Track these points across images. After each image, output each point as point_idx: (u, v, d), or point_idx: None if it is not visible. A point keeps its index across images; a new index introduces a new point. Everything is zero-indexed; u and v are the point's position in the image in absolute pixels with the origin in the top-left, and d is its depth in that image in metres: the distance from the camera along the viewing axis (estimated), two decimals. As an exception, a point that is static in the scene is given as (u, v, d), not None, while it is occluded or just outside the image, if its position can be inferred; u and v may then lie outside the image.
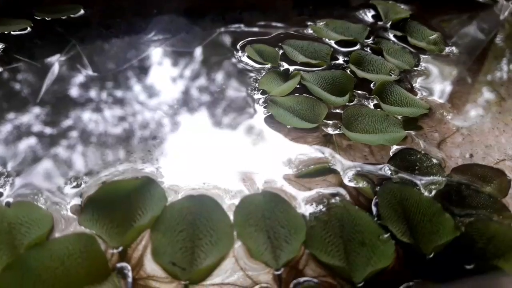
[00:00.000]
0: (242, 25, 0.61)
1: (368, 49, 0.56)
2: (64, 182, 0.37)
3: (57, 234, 0.33)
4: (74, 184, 0.37)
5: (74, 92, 0.48)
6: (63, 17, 0.60)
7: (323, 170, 0.40)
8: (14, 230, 0.32)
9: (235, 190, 0.38)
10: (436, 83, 0.52)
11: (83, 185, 0.37)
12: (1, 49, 0.54)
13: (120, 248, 0.32)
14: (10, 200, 0.35)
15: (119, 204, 0.34)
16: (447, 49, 0.57)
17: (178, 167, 0.40)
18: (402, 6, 0.66)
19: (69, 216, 0.34)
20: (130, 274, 0.31)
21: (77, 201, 0.35)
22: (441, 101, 0.49)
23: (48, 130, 0.43)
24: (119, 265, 0.31)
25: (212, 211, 0.35)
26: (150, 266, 0.32)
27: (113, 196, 0.35)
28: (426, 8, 0.68)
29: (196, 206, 0.35)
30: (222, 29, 0.60)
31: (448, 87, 0.51)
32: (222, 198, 0.37)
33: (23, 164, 0.39)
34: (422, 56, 0.55)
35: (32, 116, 0.45)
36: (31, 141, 0.42)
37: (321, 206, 0.36)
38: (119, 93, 0.49)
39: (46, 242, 0.32)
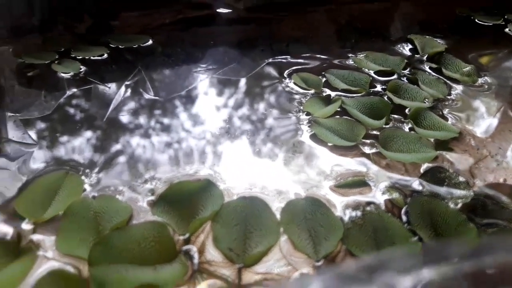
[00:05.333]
0: (288, 57, 0.68)
1: (404, 79, 0.61)
2: (139, 182, 0.44)
3: (134, 222, 0.40)
4: (148, 183, 0.44)
5: (137, 113, 0.56)
6: (134, 46, 0.69)
7: (359, 182, 0.45)
8: (99, 217, 0.39)
9: (281, 196, 0.44)
10: (467, 112, 0.56)
11: (155, 185, 0.44)
12: (83, 72, 0.63)
13: (186, 235, 0.38)
14: (95, 194, 0.43)
15: (185, 200, 0.41)
16: (480, 81, 0.61)
17: (232, 176, 0.46)
18: (439, 41, 0.71)
19: (144, 208, 0.41)
20: (196, 255, 0.37)
21: (150, 197, 0.42)
22: (472, 128, 0.53)
23: (121, 143, 0.51)
24: (184, 248, 0.37)
25: (261, 210, 0.41)
26: (210, 253, 0.38)
27: (180, 194, 0.41)
28: (463, 43, 0.72)
29: (248, 206, 0.41)
30: (270, 60, 0.67)
31: (480, 116, 0.56)
32: (270, 201, 0.42)
33: (106, 166, 0.46)
34: (455, 87, 0.60)
35: (105, 129, 0.53)
36: (111, 148, 0.49)
37: (357, 212, 0.41)
38: (180, 116, 0.56)
39: (126, 227, 0.38)
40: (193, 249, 0.37)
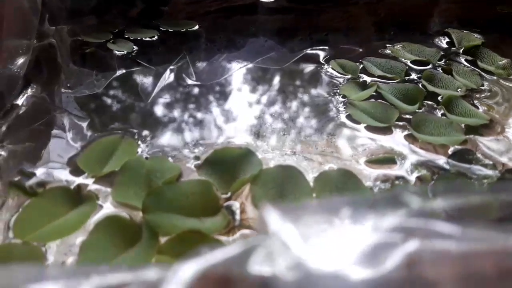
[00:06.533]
0: (327, 47, 0.71)
1: (439, 69, 0.63)
2: (187, 148, 0.49)
3: (183, 179, 0.44)
4: (194, 149, 0.48)
5: (179, 97, 0.60)
6: (182, 30, 0.74)
7: (390, 159, 0.48)
8: (151, 174, 0.44)
9: (315, 168, 0.47)
10: (500, 102, 0.58)
11: (200, 150, 0.48)
12: (135, 51, 0.68)
13: (228, 194, 0.43)
14: (148, 155, 0.48)
15: (227, 165, 0.45)
16: (515, 74, 0.63)
17: (270, 148, 0.50)
18: (476, 36, 0.72)
19: (191, 169, 0.46)
20: (237, 211, 0.41)
21: (196, 161, 0.47)
22: (504, 118, 0.55)
23: (166, 119, 0.55)
24: (226, 204, 0.42)
25: (296, 177, 0.44)
26: (248, 211, 0.42)
27: (223, 159, 0.46)
28: (501, 39, 0.73)
29: (284, 172, 0.44)
30: (309, 49, 0.70)
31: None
32: (304, 172, 0.46)
33: (156, 135, 0.51)
34: (489, 78, 0.62)
35: (152, 107, 0.57)
36: (159, 121, 0.54)
37: (386, 184, 0.44)
38: (220, 99, 0.60)
39: (176, 183, 0.43)
40: (235, 204, 0.41)
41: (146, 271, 0.18)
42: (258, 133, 0.52)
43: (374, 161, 0.48)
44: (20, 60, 0.60)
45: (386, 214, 0.20)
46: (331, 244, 0.19)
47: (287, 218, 0.19)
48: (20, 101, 0.58)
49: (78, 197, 0.43)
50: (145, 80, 0.63)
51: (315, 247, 0.19)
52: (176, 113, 0.56)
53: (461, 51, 0.68)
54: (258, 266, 0.18)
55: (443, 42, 0.72)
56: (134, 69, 0.66)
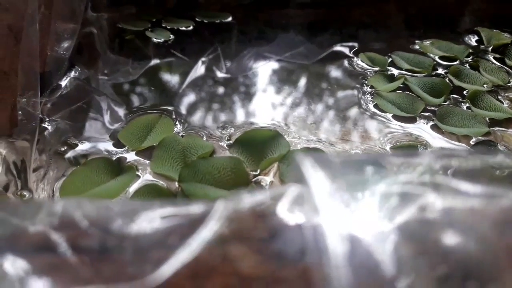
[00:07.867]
0: (356, 43, 0.73)
1: (466, 65, 0.64)
2: (219, 129, 0.52)
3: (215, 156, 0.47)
4: (226, 129, 0.51)
5: (211, 82, 0.63)
6: (217, 21, 0.77)
7: (413, 146, 0.50)
8: (186, 150, 0.47)
9: (341, 153, 0.49)
10: (527, 99, 0.59)
11: (232, 130, 0.51)
12: (171, 40, 0.72)
13: (257, 172, 0.45)
14: (183, 134, 0.51)
15: (257, 145, 0.48)
16: (543, 73, 0.64)
17: (297, 133, 0.52)
18: (506, 35, 0.73)
19: (223, 147, 0.49)
20: (267, 187, 0.43)
21: (228, 141, 0.50)
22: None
23: (199, 104, 0.58)
24: (254, 179, 0.44)
25: (323, 159, 0.46)
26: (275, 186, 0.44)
27: (253, 139, 0.48)
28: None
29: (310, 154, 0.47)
30: (338, 45, 0.72)
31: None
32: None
33: (192, 115, 0.54)
34: (517, 76, 0.63)
35: (185, 96, 0.60)
36: (196, 102, 0.57)
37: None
38: (250, 88, 0.63)
39: (209, 157, 0.46)
40: (264, 180, 0.44)
41: (192, 205, 0.21)
42: (286, 120, 0.55)
43: (398, 148, 0.50)
44: (66, 44, 0.64)
45: (405, 171, 0.22)
46: (358, 194, 0.22)
47: (319, 168, 0.22)
48: (64, 82, 0.62)
49: (119, 168, 0.46)
50: (178, 70, 0.66)
51: (343, 197, 0.22)
52: (207, 99, 0.59)
53: (489, 49, 0.69)
54: (290, 210, 0.21)
55: (472, 40, 0.73)
56: (168, 59, 0.69)
